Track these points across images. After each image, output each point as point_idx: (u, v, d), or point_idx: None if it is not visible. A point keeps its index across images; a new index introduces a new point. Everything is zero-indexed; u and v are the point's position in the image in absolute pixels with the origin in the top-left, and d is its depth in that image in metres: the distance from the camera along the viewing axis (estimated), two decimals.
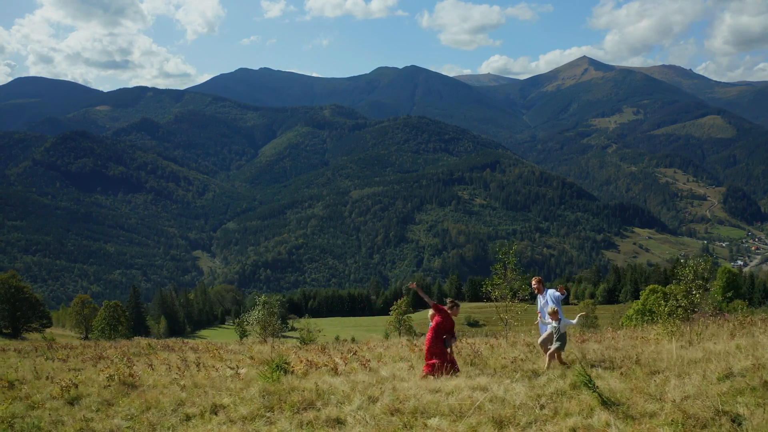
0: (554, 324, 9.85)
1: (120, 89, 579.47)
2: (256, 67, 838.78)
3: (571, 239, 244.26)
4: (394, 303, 71.95)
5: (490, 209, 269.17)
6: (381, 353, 13.19)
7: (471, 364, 10.29)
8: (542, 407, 6.92)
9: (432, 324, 9.67)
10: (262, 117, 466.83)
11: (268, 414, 7.48)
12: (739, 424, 5.95)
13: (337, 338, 51.46)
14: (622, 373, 8.42)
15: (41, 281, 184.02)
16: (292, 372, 9.91)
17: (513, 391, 7.55)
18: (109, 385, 9.92)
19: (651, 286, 46.55)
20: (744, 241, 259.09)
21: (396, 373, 9.81)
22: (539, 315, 10.90)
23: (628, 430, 6.02)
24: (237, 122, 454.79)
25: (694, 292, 13.74)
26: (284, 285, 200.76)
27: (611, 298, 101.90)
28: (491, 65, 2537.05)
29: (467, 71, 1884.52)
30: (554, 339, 9.76)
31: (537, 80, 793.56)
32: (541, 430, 6.26)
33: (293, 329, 71.69)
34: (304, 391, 8.18)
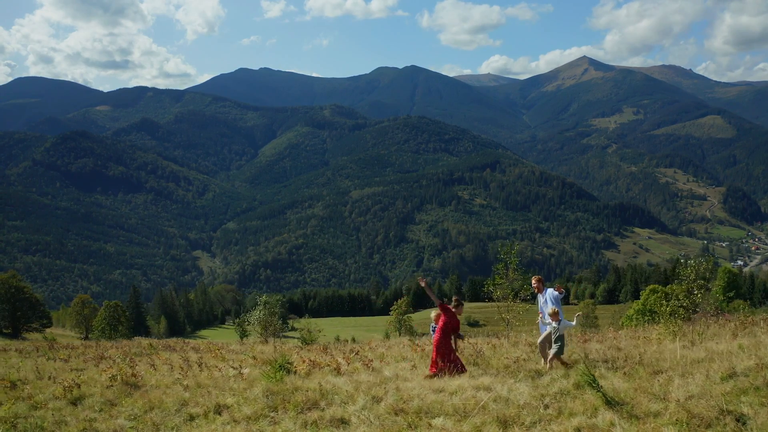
0: (554, 325, 9.79)
1: (120, 89, 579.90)
2: (256, 67, 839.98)
3: (571, 239, 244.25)
4: (395, 303, 72.31)
5: (490, 209, 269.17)
6: (383, 353, 13.19)
7: (473, 364, 10.29)
8: (546, 407, 6.92)
9: (440, 323, 9.67)
10: (262, 117, 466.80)
11: (272, 414, 7.48)
12: (744, 424, 5.96)
13: (337, 338, 51.46)
14: (625, 373, 8.42)
15: (41, 281, 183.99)
16: (295, 372, 9.91)
17: (517, 391, 7.55)
18: (112, 386, 9.92)
19: (651, 286, 46.60)
20: (744, 241, 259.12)
21: (399, 373, 9.82)
22: (540, 315, 10.88)
23: (633, 430, 6.02)
24: (237, 122, 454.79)
25: (695, 292, 13.76)
26: (284, 285, 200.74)
27: (611, 298, 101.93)
28: (491, 65, 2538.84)
29: (467, 71, 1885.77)
30: (552, 341, 9.70)
31: (537, 80, 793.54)
32: (545, 429, 6.26)
33: (293, 329, 71.76)
34: (307, 391, 8.17)
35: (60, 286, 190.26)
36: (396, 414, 6.95)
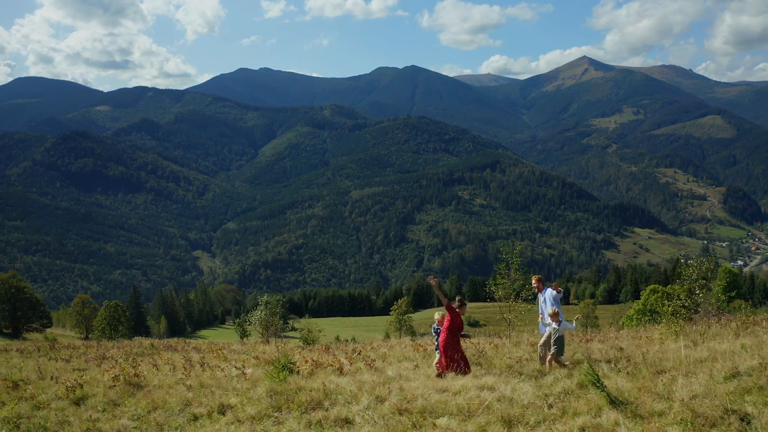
0: (554, 325, 9.77)
1: (120, 89, 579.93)
2: (256, 67, 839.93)
3: (571, 239, 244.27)
4: (395, 303, 72.32)
5: (490, 209, 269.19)
6: (385, 353, 13.20)
7: (476, 364, 10.30)
8: (550, 407, 6.92)
9: (445, 323, 9.71)
10: (262, 117, 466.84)
11: (276, 414, 7.48)
12: (748, 423, 5.96)
13: (337, 338, 51.43)
14: (628, 373, 8.42)
15: (41, 281, 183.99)
16: (298, 372, 9.90)
17: (520, 391, 7.55)
18: (115, 386, 9.91)
19: (651, 286, 46.58)
20: (744, 241, 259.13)
21: (402, 372, 9.82)
22: (540, 316, 10.87)
23: (638, 429, 6.02)
24: (237, 122, 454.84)
25: (697, 292, 13.77)
26: (284, 285, 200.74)
27: (611, 298, 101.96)
28: (491, 65, 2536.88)
29: (467, 71, 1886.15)
30: (552, 342, 9.67)
31: (537, 80, 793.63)
32: (550, 429, 6.26)
33: (294, 329, 71.77)
34: (311, 391, 8.17)
35: (60, 286, 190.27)
36: (400, 414, 6.95)
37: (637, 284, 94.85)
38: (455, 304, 10.02)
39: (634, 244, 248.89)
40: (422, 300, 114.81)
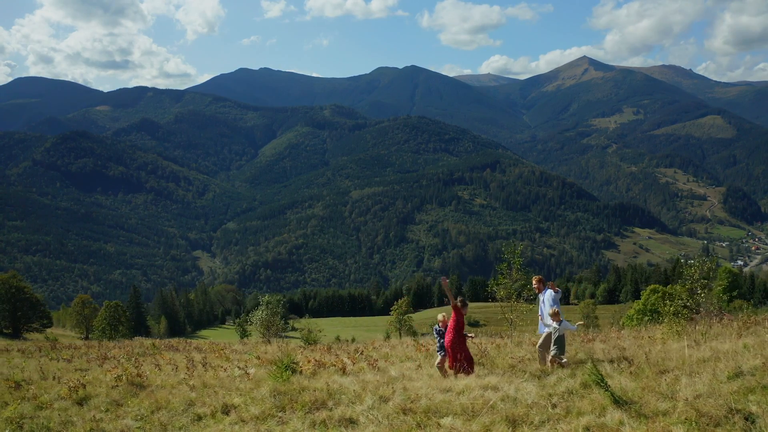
0: (555, 325, 9.76)
1: (120, 89, 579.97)
2: (256, 67, 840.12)
3: (571, 239, 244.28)
4: (395, 303, 72.33)
5: (490, 209, 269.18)
6: (387, 353, 13.20)
7: (479, 364, 10.30)
8: (554, 406, 6.92)
9: (451, 323, 9.73)
10: (262, 117, 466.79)
11: (279, 414, 7.48)
12: (753, 422, 5.97)
13: (337, 338, 51.46)
14: (631, 373, 8.41)
15: (41, 281, 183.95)
16: (301, 372, 9.91)
17: (524, 391, 7.55)
18: (117, 386, 9.92)
19: (652, 286, 46.56)
20: (744, 241, 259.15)
21: (405, 372, 9.83)
22: (540, 316, 10.86)
23: (642, 429, 6.02)
24: (237, 122, 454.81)
25: (699, 292, 13.78)
26: (284, 285, 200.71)
27: (612, 298, 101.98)
28: (491, 65, 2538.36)
29: (467, 71, 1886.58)
30: (552, 342, 9.65)
31: (537, 80, 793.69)
32: (555, 429, 6.26)
33: (294, 329, 71.75)
34: (314, 390, 8.18)
35: (60, 286, 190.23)
36: (404, 413, 6.95)
37: (638, 284, 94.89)
38: (458, 304, 10.06)
39: (634, 244, 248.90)
40: (422, 300, 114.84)
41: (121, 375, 10.37)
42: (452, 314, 9.82)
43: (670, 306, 13.21)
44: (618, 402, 6.72)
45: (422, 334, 41.64)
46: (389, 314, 74.28)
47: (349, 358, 11.91)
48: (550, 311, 10.01)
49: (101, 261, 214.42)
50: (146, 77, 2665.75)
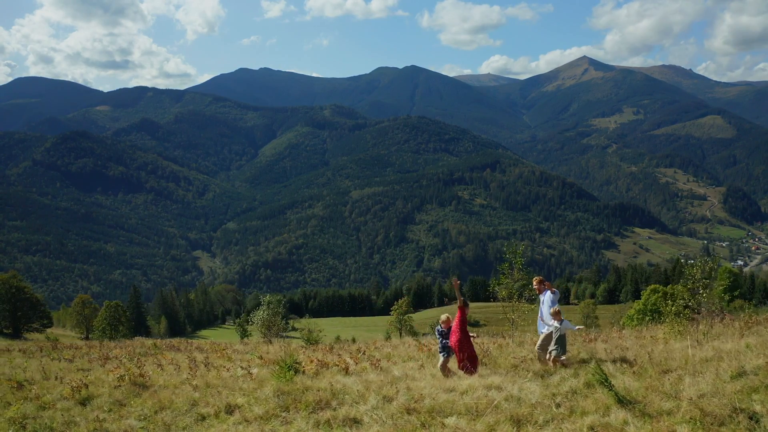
0: (556, 324, 9.76)
1: (120, 89, 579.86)
2: (256, 67, 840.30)
3: (571, 239, 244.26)
4: (395, 303, 72.33)
5: (491, 209, 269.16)
6: (389, 353, 13.20)
7: (482, 364, 10.30)
8: (558, 406, 6.93)
9: (456, 323, 9.72)
10: (262, 117, 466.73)
11: (283, 414, 7.48)
12: (757, 422, 5.97)
13: (337, 338, 51.46)
14: (634, 372, 8.41)
15: (41, 281, 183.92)
16: (304, 372, 9.90)
17: (528, 390, 7.55)
18: (120, 386, 9.91)
19: (652, 286, 46.62)
20: (744, 241, 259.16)
21: (408, 372, 9.82)
22: (540, 317, 10.86)
23: (647, 428, 6.03)
24: (237, 122, 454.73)
25: (701, 292, 13.77)
26: (284, 285, 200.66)
27: (612, 298, 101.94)
28: (491, 65, 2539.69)
29: (467, 71, 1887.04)
30: (553, 341, 9.64)
31: (537, 80, 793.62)
32: (559, 428, 6.26)
33: (294, 329, 71.77)
34: (318, 390, 8.18)
35: (60, 286, 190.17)
36: (408, 413, 6.95)
37: (638, 284, 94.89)
38: (459, 304, 10.08)
39: (634, 244, 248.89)
40: (422, 300, 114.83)
41: (124, 375, 10.37)
42: (458, 314, 9.82)
43: (672, 306, 13.20)
44: (622, 401, 6.72)
45: (423, 334, 41.64)
46: (389, 314, 74.27)
47: (351, 358, 11.91)
48: (552, 310, 10.02)
49: (101, 261, 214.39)
50: (146, 77, 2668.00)
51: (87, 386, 9.69)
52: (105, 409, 8.66)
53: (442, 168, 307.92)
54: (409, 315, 69.45)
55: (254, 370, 10.37)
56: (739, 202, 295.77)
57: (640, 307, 42.67)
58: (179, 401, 8.49)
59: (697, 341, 11.18)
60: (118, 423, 7.84)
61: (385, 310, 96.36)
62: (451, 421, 6.64)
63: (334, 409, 7.42)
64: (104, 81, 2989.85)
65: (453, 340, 9.64)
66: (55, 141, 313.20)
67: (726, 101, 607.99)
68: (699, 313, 14.34)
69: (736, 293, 53.11)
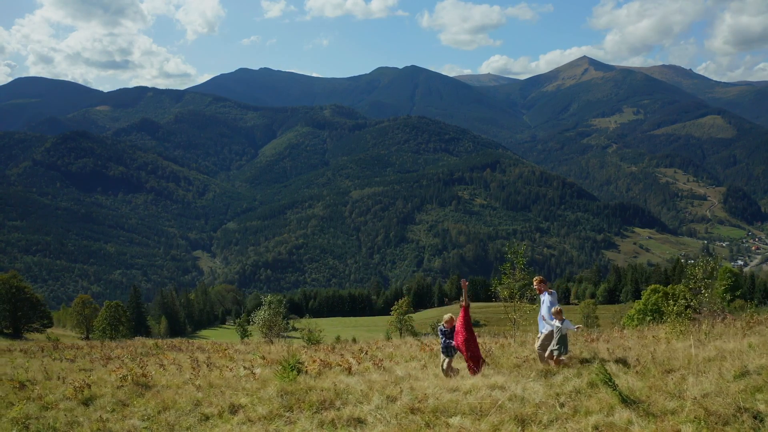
0: (557, 324, 9.75)
1: (120, 89, 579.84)
2: (256, 67, 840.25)
3: (571, 239, 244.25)
4: (395, 303, 72.37)
5: (491, 209, 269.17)
6: (392, 353, 13.21)
7: (485, 364, 10.31)
8: (562, 405, 6.93)
9: (461, 323, 9.71)
10: (262, 117, 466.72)
11: (287, 414, 7.48)
12: (761, 421, 5.98)
13: (337, 338, 51.41)
14: (637, 372, 8.42)
15: (41, 281, 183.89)
16: (306, 372, 9.90)
17: (531, 390, 7.55)
18: (123, 386, 9.91)
19: (652, 286, 46.59)
20: (744, 241, 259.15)
21: (411, 372, 9.83)
22: (542, 316, 10.84)
23: (651, 428, 6.03)
24: (237, 122, 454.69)
25: (703, 292, 13.79)
26: (284, 285, 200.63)
27: (612, 298, 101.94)
28: (491, 65, 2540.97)
29: (467, 71, 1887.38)
30: (555, 341, 9.63)
31: (537, 80, 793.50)
32: (563, 428, 6.26)
33: (294, 329, 71.78)
34: (321, 390, 8.18)
35: (60, 286, 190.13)
36: (412, 413, 6.96)
37: (638, 284, 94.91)
38: (459, 304, 10.10)
39: (635, 244, 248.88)
40: (422, 300, 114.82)
41: (126, 375, 10.36)
42: (461, 314, 9.82)
43: (674, 306, 13.21)
44: (626, 401, 6.72)
45: (424, 334, 41.61)
46: (389, 314, 74.29)
47: (354, 357, 11.92)
48: (554, 309, 10.02)
49: (101, 261, 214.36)
50: (146, 77, 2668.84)
51: (89, 386, 9.69)
52: (108, 409, 8.65)
53: (442, 168, 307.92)
54: (410, 315, 69.47)
55: (257, 370, 10.36)
56: (739, 202, 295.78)
57: (641, 307, 42.64)
58: (182, 401, 8.49)
59: (699, 341, 11.18)
60: (121, 423, 7.83)
61: (385, 310, 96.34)
62: (455, 420, 6.65)
63: (338, 409, 7.42)
64: (104, 81, 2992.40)
65: (459, 340, 9.62)
66: (55, 141, 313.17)
67: (726, 101, 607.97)
68: (700, 313, 14.35)
69: (738, 293, 53.08)
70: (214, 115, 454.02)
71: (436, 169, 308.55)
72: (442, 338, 10.16)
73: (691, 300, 13.40)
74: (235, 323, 69.06)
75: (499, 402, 7.04)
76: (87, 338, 55.49)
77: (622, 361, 9.60)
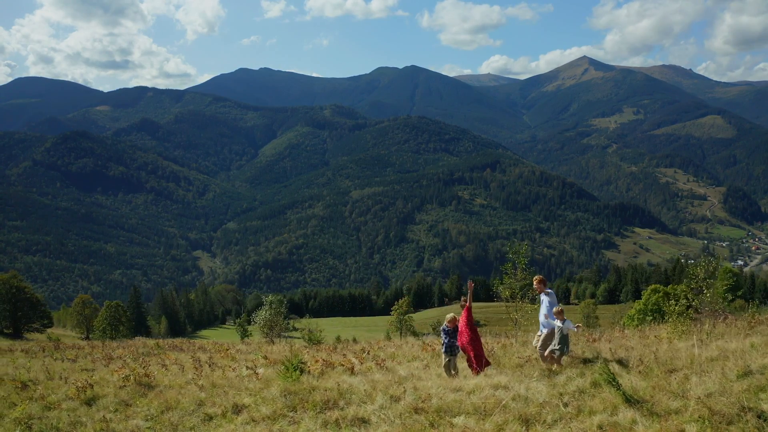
0: (559, 324, 9.74)
1: (120, 89, 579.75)
2: (256, 67, 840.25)
3: (571, 239, 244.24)
4: (395, 303, 72.34)
5: (491, 209, 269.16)
6: (394, 353, 13.21)
7: (487, 364, 10.32)
8: (566, 405, 6.93)
9: (464, 322, 9.69)
10: (262, 117, 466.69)
11: (291, 414, 7.48)
12: (765, 420, 5.98)
13: (338, 338, 51.39)
14: (640, 372, 8.42)
15: (42, 281, 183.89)
16: (309, 372, 9.89)
17: (535, 390, 7.55)
18: (125, 386, 9.91)
19: (652, 286, 46.63)
20: (744, 241, 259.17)
21: (413, 372, 9.83)
22: (545, 315, 10.83)
23: (655, 427, 6.04)
24: (237, 122, 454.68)
25: (704, 292, 13.79)
26: (285, 285, 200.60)
27: (612, 298, 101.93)
28: (491, 65, 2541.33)
29: (467, 71, 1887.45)
30: (557, 341, 9.62)
31: (537, 80, 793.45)
32: (568, 427, 6.27)
33: (295, 329, 71.79)
34: (325, 390, 8.18)
35: (60, 286, 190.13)
36: (416, 413, 6.96)
37: (638, 284, 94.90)
38: (460, 304, 10.11)
39: (635, 244, 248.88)
40: (422, 300, 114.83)
41: (129, 375, 10.36)
42: (464, 313, 9.82)
43: (676, 305, 13.21)
44: (630, 401, 6.73)
45: (424, 334, 41.63)
46: (389, 314, 74.25)
47: (356, 357, 11.92)
48: (555, 309, 10.01)
49: (101, 261, 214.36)
50: (146, 77, 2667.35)
51: (92, 386, 9.68)
52: (111, 409, 8.65)
53: (442, 168, 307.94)
54: (410, 315, 69.43)
55: (260, 370, 10.36)
56: (739, 202, 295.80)
57: (641, 307, 42.66)
58: (185, 401, 8.49)
59: (702, 341, 11.18)
60: (124, 423, 7.83)
61: (385, 310, 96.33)
62: (459, 420, 6.65)
63: (342, 409, 7.42)
64: (104, 81, 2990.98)
65: (464, 339, 9.60)
66: (55, 141, 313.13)
67: (726, 101, 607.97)
68: (701, 313, 14.35)
69: (739, 293, 53.09)
70: (214, 115, 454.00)
71: (436, 169, 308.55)
72: (445, 338, 10.13)
73: (693, 300, 13.39)
74: (235, 323, 69.08)
75: (503, 402, 7.04)
76: (87, 338, 55.49)
77: (625, 361, 9.60)
